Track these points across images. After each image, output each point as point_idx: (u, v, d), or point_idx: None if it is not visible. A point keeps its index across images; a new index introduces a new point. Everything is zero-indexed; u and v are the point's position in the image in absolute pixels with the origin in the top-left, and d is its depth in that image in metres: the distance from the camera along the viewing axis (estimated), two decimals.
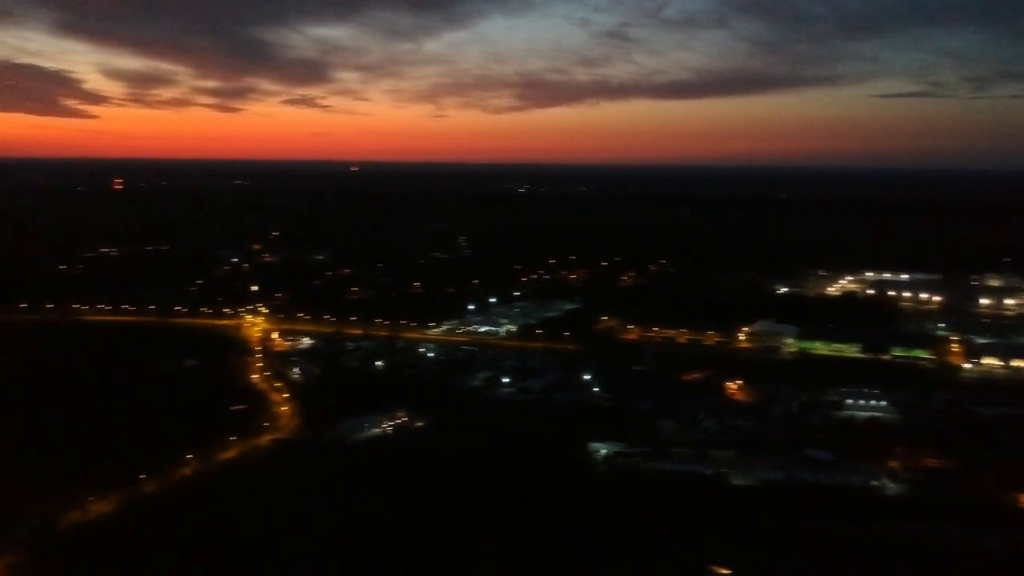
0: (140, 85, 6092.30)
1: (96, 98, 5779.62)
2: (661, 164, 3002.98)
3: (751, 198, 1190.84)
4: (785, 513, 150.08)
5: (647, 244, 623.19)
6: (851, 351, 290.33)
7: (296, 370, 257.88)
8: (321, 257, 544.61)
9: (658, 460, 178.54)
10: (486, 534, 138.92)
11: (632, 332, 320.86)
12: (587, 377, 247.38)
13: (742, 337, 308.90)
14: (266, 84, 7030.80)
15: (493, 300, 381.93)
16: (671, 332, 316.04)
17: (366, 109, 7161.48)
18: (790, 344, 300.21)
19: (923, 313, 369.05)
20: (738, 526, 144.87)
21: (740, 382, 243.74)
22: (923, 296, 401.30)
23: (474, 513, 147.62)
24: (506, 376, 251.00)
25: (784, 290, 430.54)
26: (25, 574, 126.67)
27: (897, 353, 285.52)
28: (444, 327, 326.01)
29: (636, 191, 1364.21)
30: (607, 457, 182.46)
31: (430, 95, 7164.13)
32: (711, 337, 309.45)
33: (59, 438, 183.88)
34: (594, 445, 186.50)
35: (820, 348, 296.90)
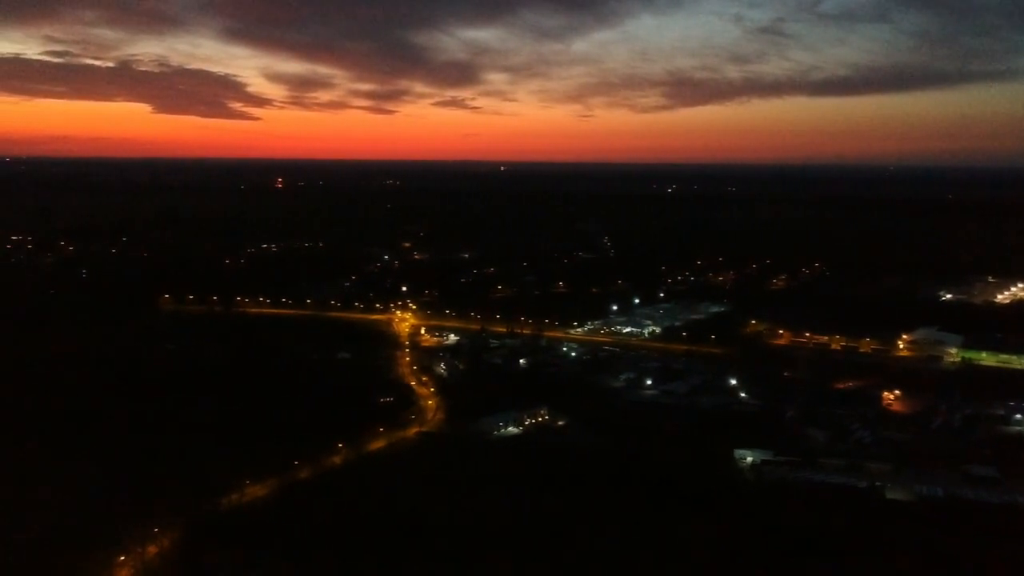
0: (300, 88, 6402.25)
1: (259, 101, 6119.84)
2: (817, 164, 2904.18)
3: (915, 199, 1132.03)
4: (943, 531, 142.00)
5: (800, 246, 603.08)
6: (1021, 363, 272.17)
7: (442, 365, 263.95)
8: (468, 256, 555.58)
9: (807, 470, 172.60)
10: (626, 537, 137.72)
11: (782, 337, 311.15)
12: (733, 382, 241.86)
13: (901, 345, 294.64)
14: (418, 86, 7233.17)
15: (637, 301, 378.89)
16: (824, 338, 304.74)
17: (514, 110, 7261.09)
18: (953, 354, 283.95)
19: None
20: (890, 543, 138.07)
21: (898, 392, 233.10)
22: None
23: (614, 515, 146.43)
24: (649, 378, 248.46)
25: (948, 297, 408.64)
26: (184, 551, 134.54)
27: None
28: (587, 327, 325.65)
29: (789, 191, 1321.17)
30: (753, 465, 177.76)
31: (577, 95, 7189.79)
32: (867, 344, 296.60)
33: (220, 424, 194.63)
34: (740, 452, 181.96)
35: (986, 359, 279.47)
